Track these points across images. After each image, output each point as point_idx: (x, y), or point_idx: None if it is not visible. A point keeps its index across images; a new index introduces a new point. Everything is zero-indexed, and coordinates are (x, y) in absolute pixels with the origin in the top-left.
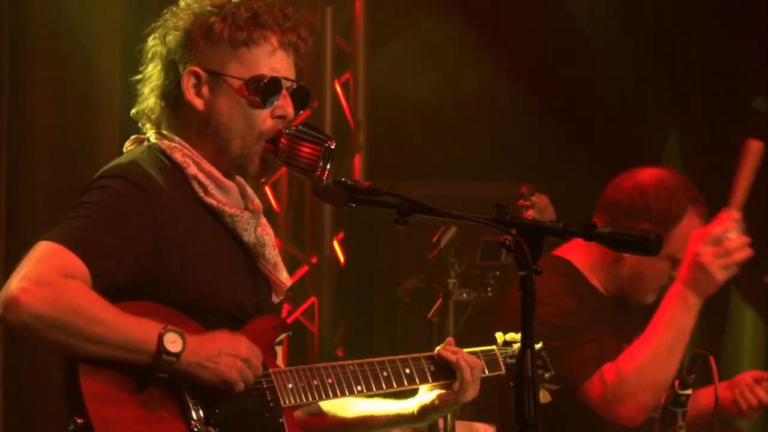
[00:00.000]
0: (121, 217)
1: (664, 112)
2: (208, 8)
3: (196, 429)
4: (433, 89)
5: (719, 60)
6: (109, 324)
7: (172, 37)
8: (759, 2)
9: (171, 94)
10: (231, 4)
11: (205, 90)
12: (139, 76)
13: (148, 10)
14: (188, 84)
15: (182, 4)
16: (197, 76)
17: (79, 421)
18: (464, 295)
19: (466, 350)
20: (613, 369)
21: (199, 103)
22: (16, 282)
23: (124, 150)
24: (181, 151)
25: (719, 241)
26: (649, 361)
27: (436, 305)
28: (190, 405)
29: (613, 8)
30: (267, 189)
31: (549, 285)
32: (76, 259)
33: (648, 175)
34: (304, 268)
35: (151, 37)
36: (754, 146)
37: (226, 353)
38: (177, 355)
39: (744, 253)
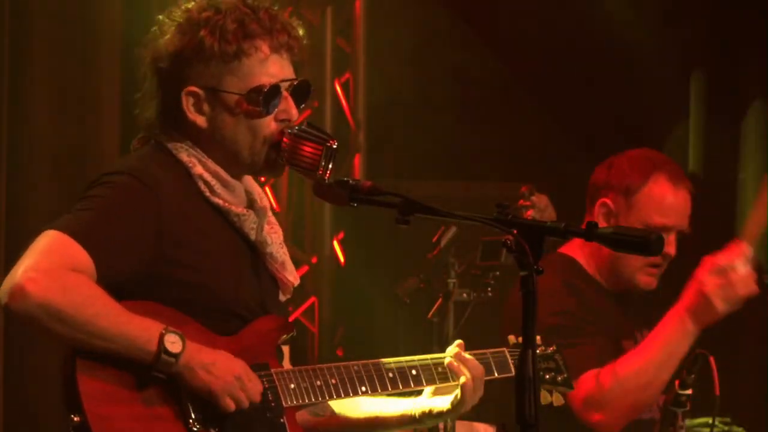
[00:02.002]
0: (126, 213)
1: (665, 113)
2: (196, 20)
3: (194, 429)
4: (434, 89)
5: (720, 60)
6: (113, 320)
7: (164, 56)
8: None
9: (172, 112)
10: (218, 13)
11: (205, 107)
12: (139, 95)
13: (149, 9)
14: (188, 104)
15: (168, 15)
16: (195, 95)
17: (76, 419)
18: (464, 295)
19: (475, 352)
20: (598, 376)
21: (201, 121)
22: (22, 270)
23: (131, 149)
24: (187, 151)
25: (724, 272)
26: (634, 375)
27: (436, 305)
28: (189, 404)
29: (613, 6)
30: (267, 189)
31: (548, 282)
32: (82, 251)
33: (620, 154)
34: (304, 268)
35: (145, 52)
36: None
37: (221, 366)
38: (176, 356)
39: (747, 289)
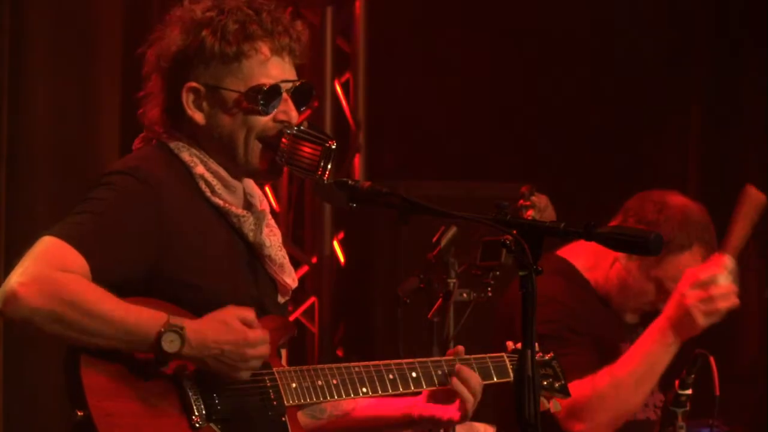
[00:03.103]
0: (126, 214)
1: (666, 112)
2: (198, 20)
3: (197, 425)
4: (434, 88)
5: (722, 59)
6: (107, 317)
7: (167, 56)
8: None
9: (173, 109)
10: (221, 14)
11: (205, 104)
12: (142, 94)
13: (149, 9)
14: (188, 100)
15: (173, 15)
16: (196, 91)
17: (80, 413)
18: (464, 295)
19: (474, 356)
20: (578, 387)
21: (199, 117)
22: (15, 277)
23: (133, 148)
24: (188, 150)
25: (706, 286)
26: (614, 388)
27: (436, 305)
28: (192, 400)
29: (616, 9)
30: (267, 189)
31: (540, 287)
32: (76, 254)
33: (678, 198)
34: (304, 268)
35: (149, 51)
36: (755, 195)
37: (230, 348)
38: (174, 355)
39: (729, 302)
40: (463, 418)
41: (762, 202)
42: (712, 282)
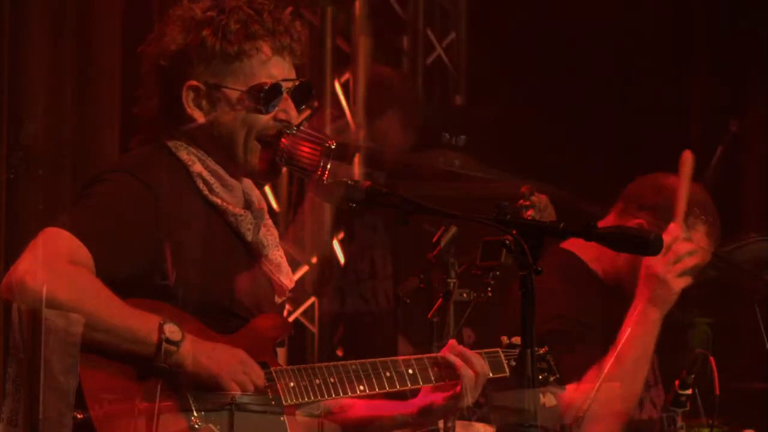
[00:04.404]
0: (125, 210)
1: (667, 112)
2: (199, 19)
3: (196, 426)
4: (434, 88)
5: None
6: (113, 313)
7: (167, 54)
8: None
9: (171, 108)
10: (222, 13)
11: (204, 102)
12: (139, 92)
13: (149, 8)
14: (187, 98)
15: (173, 14)
16: (196, 89)
17: (79, 416)
18: (464, 295)
19: (471, 352)
20: (583, 386)
21: (199, 116)
22: (22, 266)
23: (130, 148)
24: (186, 149)
25: (669, 249)
26: (618, 379)
27: (436, 305)
28: (191, 401)
29: (616, 9)
30: (267, 189)
31: (546, 281)
32: (81, 246)
33: (674, 179)
34: (304, 268)
35: (148, 50)
36: (687, 158)
37: (222, 351)
38: (177, 343)
39: (696, 258)
40: (461, 398)
41: (691, 161)
42: (673, 244)
